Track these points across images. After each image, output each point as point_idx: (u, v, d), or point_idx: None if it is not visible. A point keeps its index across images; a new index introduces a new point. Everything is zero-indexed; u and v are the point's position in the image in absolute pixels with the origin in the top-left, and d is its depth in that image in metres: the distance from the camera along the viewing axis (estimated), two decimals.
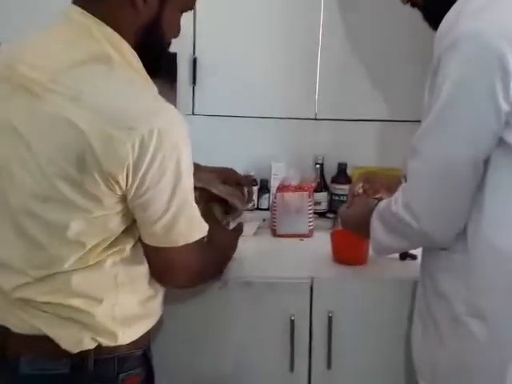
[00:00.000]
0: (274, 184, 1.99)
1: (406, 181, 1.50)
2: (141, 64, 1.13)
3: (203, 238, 1.19)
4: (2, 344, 1.18)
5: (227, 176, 1.64)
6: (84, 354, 1.13)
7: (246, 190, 1.62)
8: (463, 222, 1.15)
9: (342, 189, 1.99)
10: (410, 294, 1.49)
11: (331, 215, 1.94)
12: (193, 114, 1.96)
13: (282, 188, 1.85)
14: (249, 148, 2.05)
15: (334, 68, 1.94)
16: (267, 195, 2.00)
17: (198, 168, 1.55)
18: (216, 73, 1.93)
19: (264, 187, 2.00)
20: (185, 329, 1.55)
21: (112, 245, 1.13)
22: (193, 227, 1.16)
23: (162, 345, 1.40)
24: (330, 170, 2.04)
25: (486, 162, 1.11)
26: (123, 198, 1.07)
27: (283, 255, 1.65)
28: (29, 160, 1.04)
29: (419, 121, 1.90)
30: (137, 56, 1.12)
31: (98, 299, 1.12)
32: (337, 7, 1.84)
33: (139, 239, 1.16)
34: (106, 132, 1.00)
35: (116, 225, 1.11)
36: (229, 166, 1.88)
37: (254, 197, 1.96)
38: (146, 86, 1.12)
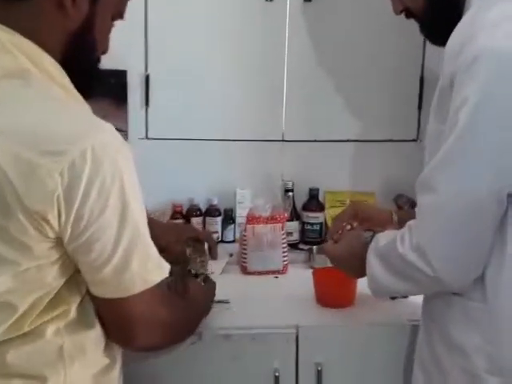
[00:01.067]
0: (239, 213, 1.88)
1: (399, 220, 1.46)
2: (67, 79, 1.04)
3: (167, 280, 1.08)
4: None
5: (184, 233, 1.56)
6: None
7: (206, 246, 1.53)
8: (483, 266, 1.06)
9: (315, 217, 1.91)
10: (404, 339, 1.42)
11: (304, 247, 1.85)
12: (146, 137, 1.91)
13: (252, 219, 1.72)
14: (210, 174, 1.94)
15: (301, 85, 1.90)
16: (232, 226, 1.87)
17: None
18: (171, 92, 1.87)
19: (228, 217, 1.87)
20: None
21: (52, 306, 1.00)
22: (151, 266, 1.04)
23: None
24: (301, 196, 1.95)
25: (509, 197, 1.01)
26: (58, 242, 0.96)
27: (259, 298, 1.53)
28: None
29: (393, 140, 1.93)
30: (61, 69, 1.04)
31: (41, 378, 1.00)
32: (303, 22, 1.82)
33: (87, 293, 1.04)
34: (25, 160, 0.90)
35: (53, 278, 0.98)
36: (189, 193, 1.94)
37: (218, 229, 1.88)
38: (73, 104, 1.03)
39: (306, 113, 1.92)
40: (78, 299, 1.02)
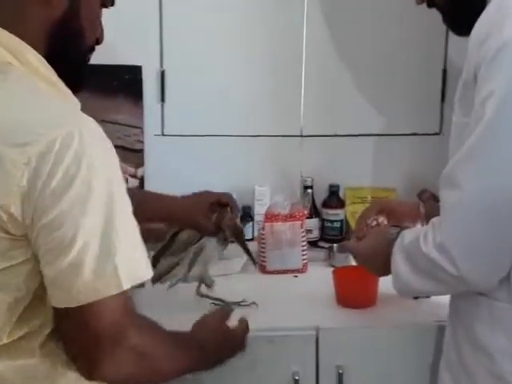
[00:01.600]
0: (258, 211, 1.86)
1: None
2: (51, 71, 1.03)
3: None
4: None
5: (206, 202, 1.56)
6: None
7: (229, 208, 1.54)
8: (509, 266, 1.04)
9: (335, 214, 1.90)
10: (430, 340, 1.39)
11: (325, 244, 1.84)
12: (162, 134, 1.90)
13: (271, 217, 1.71)
14: (228, 171, 1.94)
15: (319, 79, 1.89)
16: (251, 224, 1.86)
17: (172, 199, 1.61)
18: (187, 87, 1.87)
19: (247, 215, 1.85)
20: None
21: (29, 315, 0.94)
22: (122, 268, 0.91)
23: None
24: (320, 193, 1.94)
25: None
26: (25, 242, 0.92)
27: (278, 298, 1.52)
28: None
29: (416, 134, 1.90)
30: (44, 62, 1.02)
31: None
32: (321, 14, 1.81)
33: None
34: None
35: (23, 282, 0.94)
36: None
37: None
38: (55, 97, 1.02)
39: (325, 107, 1.91)
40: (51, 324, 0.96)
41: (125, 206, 0.95)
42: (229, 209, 1.52)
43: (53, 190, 0.87)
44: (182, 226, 1.53)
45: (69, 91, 1.03)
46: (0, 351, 0.93)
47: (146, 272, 0.94)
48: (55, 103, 0.98)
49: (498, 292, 1.07)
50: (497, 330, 1.09)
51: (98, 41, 1.12)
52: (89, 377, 0.95)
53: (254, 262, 1.47)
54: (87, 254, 0.88)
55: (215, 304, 1.46)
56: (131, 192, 1.02)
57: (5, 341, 0.92)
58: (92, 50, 1.12)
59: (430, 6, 1.27)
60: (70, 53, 1.07)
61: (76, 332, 0.93)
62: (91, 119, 0.96)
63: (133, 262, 0.93)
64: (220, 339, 1.20)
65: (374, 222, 1.43)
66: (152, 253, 1.48)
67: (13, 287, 0.92)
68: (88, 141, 0.91)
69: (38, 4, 1.00)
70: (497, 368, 1.10)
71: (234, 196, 1.85)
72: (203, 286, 1.47)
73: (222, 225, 1.48)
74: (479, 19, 1.07)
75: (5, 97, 0.94)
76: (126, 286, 0.91)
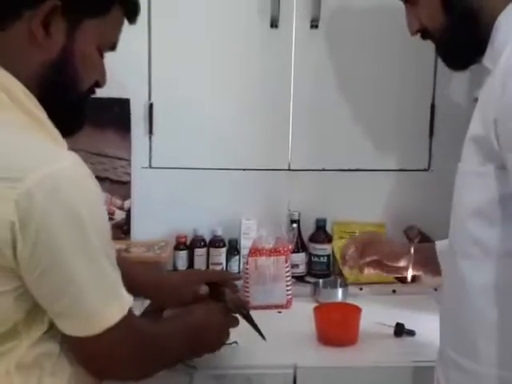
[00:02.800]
0: (244, 244, 1.86)
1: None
2: (38, 108, 1.06)
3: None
4: None
5: (195, 279, 1.54)
6: None
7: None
8: None
9: (323, 248, 1.89)
10: (408, 381, 1.39)
11: (311, 279, 1.83)
12: (150, 167, 1.93)
13: (255, 252, 1.69)
14: (215, 204, 1.95)
15: (308, 112, 1.93)
16: (237, 257, 1.87)
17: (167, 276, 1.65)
18: (175, 120, 1.90)
19: (233, 248, 1.87)
20: None
21: (2, 338, 1.01)
22: (111, 302, 1.06)
23: None
24: (308, 227, 1.94)
25: None
26: (12, 273, 0.99)
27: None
28: None
29: (404, 170, 1.93)
30: (33, 98, 1.06)
31: None
32: (309, 50, 1.83)
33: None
34: None
35: (8, 309, 1.00)
36: (193, 224, 1.95)
37: (223, 261, 1.89)
38: (41, 134, 1.05)
39: (313, 141, 1.92)
40: (32, 338, 1.03)
41: (104, 244, 1.01)
42: (225, 290, 1.47)
43: (44, 236, 0.94)
44: (167, 305, 1.51)
45: (54, 129, 1.05)
46: None
47: (128, 298, 1.06)
48: (38, 141, 1.01)
49: None
50: None
51: (99, 83, 1.14)
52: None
53: (263, 337, 1.47)
54: (85, 293, 1.00)
55: None
56: (120, 260, 1.11)
57: None
58: (91, 92, 1.14)
59: (424, 37, 1.25)
60: (64, 94, 1.10)
61: (79, 353, 1.07)
62: (72, 155, 0.99)
63: (121, 294, 1.05)
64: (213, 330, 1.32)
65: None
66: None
67: None
68: (71, 178, 0.96)
69: (30, 47, 1.03)
70: None
71: (220, 232, 1.90)
72: None
73: (228, 305, 1.42)
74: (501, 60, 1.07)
75: None
76: (122, 313, 1.04)
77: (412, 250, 1.50)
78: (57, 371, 1.06)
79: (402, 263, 1.51)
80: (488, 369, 1.15)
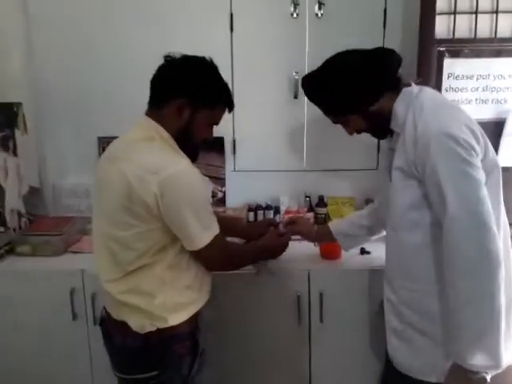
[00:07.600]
0: (282, 209, 2.69)
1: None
2: (175, 144, 1.38)
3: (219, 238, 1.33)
4: (106, 324, 1.47)
5: (261, 224, 2.07)
6: (148, 333, 1.36)
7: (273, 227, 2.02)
8: None
9: (322, 211, 2.69)
10: (367, 279, 2.03)
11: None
12: (234, 170, 2.69)
13: (287, 212, 2.61)
14: (268, 189, 2.73)
15: (316, 134, 2.57)
16: (278, 215, 2.66)
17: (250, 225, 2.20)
18: (247, 146, 2.65)
19: (276, 211, 2.68)
20: (234, 301, 2.06)
21: (158, 252, 1.31)
22: (207, 229, 1.31)
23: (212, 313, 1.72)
24: (314, 200, 2.72)
25: None
26: (159, 218, 1.27)
27: (291, 253, 2.06)
28: (108, 199, 1.32)
29: (363, 169, 2.54)
30: (172, 139, 1.38)
31: (153, 296, 1.33)
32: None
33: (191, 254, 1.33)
34: (139, 175, 1.24)
35: (159, 236, 1.30)
36: (256, 198, 2.69)
37: (271, 216, 2.64)
38: (174, 154, 1.34)
39: (318, 152, 2.58)
40: (173, 252, 1.31)
41: (202, 202, 1.28)
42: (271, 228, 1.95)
43: (168, 203, 1.22)
44: (248, 239, 1.99)
45: (180, 151, 1.36)
46: (139, 269, 1.29)
47: (216, 227, 1.32)
48: (171, 156, 1.29)
49: None
50: None
51: (206, 140, 1.47)
52: (214, 270, 1.45)
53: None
54: (192, 225, 1.26)
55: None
56: (219, 217, 1.40)
57: (142, 263, 1.28)
58: (203, 143, 1.46)
59: (359, 132, 1.53)
60: (186, 143, 1.41)
61: (198, 259, 1.36)
62: (186, 162, 1.27)
63: (215, 227, 1.32)
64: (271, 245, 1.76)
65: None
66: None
67: (152, 238, 1.28)
68: (185, 174, 1.25)
69: (174, 116, 1.39)
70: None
71: (269, 202, 2.61)
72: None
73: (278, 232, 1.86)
74: (408, 123, 1.30)
75: (148, 151, 1.28)
76: (215, 232, 1.33)
77: (315, 228, 2.08)
78: (189, 268, 1.39)
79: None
80: (429, 285, 1.39)
